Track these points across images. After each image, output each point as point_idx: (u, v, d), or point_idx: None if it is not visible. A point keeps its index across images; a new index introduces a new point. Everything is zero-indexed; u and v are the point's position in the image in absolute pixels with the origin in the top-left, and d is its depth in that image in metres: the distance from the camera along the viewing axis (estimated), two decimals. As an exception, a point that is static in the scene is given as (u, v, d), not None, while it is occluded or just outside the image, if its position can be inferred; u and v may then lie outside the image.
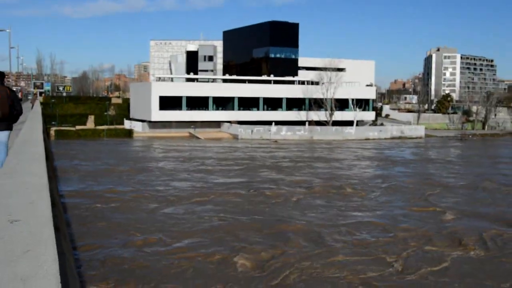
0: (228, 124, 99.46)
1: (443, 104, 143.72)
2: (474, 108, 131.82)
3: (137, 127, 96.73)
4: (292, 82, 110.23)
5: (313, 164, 62.54)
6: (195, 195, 42.99)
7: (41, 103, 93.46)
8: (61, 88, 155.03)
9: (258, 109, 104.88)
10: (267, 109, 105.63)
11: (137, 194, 42.40)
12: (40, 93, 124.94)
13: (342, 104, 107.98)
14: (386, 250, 28.86)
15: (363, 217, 36.83)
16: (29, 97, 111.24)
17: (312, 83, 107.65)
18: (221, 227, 32.54)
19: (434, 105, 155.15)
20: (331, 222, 34.62)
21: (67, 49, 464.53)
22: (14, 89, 20.91)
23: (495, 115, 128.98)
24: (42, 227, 6.46)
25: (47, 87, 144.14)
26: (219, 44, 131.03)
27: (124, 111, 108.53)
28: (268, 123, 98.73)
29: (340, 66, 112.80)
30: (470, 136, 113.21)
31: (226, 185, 46.83)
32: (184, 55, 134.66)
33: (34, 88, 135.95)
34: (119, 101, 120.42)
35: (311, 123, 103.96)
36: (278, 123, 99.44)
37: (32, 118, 40.61)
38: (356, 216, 36.86)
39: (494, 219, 38.32)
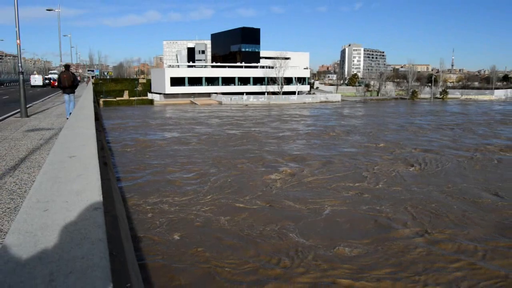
0: (215, 94, 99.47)
1: (353, 80, 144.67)
2: (372, 83, 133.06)
3: (156, 98, 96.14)
4: (256, 67, 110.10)
5: (271, 115, 63.94)
6: (203, 134, 43.80)
7: (93, 83, 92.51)
8: (105, 73, 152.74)
9: (234, 85, 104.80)
10: (240, 85, 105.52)
11: (163, 139, 42.33)
12: (92, 77, 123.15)
13: (288, 81, 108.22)
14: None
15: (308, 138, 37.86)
16: (85, 80, 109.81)
17: (269, 67, 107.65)
18: (221, 155, 32.53)
19: (347, 81, 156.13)
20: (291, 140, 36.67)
21: (109, 47, 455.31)
22: (75, 74, 23.41)
23: (385, 87, 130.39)
24: (91, 160, 6.50)
25: (96, 72, 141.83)
26: (208, 43, 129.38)
27: (147, 87, 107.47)
28: (241, 93, 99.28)
29: (287, 56, 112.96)
30: (370, 100, 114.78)
31: (220, 130, 48.42)
32: (186, 50, 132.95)
33: (87, 74, 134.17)
34: (144, 81, 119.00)
35: (269, 93, 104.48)
36: (247, 93, 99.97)
37: (86, 93, 40.58)
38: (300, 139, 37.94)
39: (413, 146, 39.06)
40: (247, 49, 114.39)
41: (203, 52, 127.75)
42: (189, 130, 50.09)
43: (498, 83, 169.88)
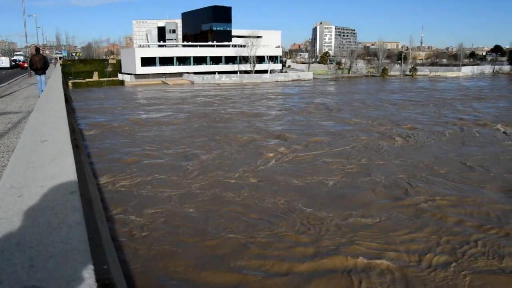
0: (187, 74, 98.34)
1: (324, 58, 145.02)
2: (343, 60, 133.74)
3: (127, 78, 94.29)
4: (228, 46, 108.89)
5: (245, 93, 63.79)
6: (178, 114, 43.18)
7: (61, 65, 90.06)
8: (74, 54, 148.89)
9: (206, 64, 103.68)
10: (212, 64, 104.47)
11: (135, 120, 41.47)
12: (60, 58, 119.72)
13: (260, 59, 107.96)
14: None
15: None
16: (52, 61, 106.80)
17: (241, 46, 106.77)
18: (198, 127, 32.50)
19: (319, 59, 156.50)
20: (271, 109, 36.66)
21: (77, 28, 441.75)
22: (45, 55, 24.29)
23: (356, 64, 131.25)
24: (64, 143, 6.44)
25: (64, 54, 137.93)
26: (179, 22, 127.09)
27: (117, 68, 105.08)
28: (213, 73, 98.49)
29: (259, 35, 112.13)
30: (341, 78, 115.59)
31: (195, 107, 48.03)
32: (156, 30, 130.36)
33: (55, 55, 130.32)
34: (114, 61, 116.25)
35: (241, 72, 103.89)
36: (220, 73, 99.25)
37: (55, 75, 39.62)
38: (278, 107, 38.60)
39: (398, 121, 40.09)
40: (218, 28, 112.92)
41: (174, 31, 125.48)
42: (163, 110, 49.56)
43: (465, 60, 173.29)
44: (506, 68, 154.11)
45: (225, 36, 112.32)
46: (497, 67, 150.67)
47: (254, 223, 16.41)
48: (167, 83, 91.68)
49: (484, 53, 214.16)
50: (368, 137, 33.53)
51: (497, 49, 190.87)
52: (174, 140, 32.29)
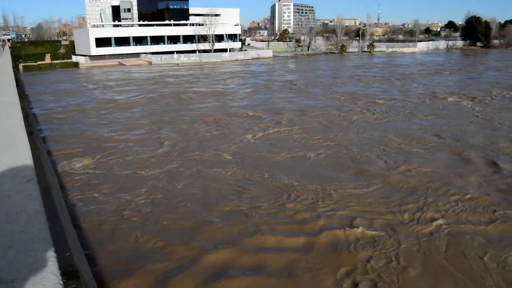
0: (145, 54, 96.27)
1: (283, 36, 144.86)
2: (302, 38, 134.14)
3: (81, 60, 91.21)
4: (186, 25, 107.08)
5: (206, 73, 63.17)
6: (137, 95, 42.25)
7: (9, 47, 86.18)
8: (23, 36, 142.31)
9: (164, 44, 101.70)
10: (170, 44, 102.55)
11: (92, 103, 40.51)
12: (8, 40, 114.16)
13: (219, 38, 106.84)
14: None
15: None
16: (0, 43, 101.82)
17: (199, 24, 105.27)
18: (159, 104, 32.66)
19: (278, 36, 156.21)
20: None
21: (25, 8, 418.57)
22: None
23: (315, 41, 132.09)
24: (18, 130, 6.33)
25: (12, 35, 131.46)
26: (134, 0, 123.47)
27: (71, 49, 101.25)
28: (172, 52, 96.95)
29: (217, 13, 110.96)
30: (301, 55, 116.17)
31: (159, 88, 47.48)
32: (110, 9, 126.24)
33: (3, 37, 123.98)
34: (67, 42, 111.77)
35: (200, 51, 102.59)
36: (178, 52, 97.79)
37: (3, 58, 38.01)
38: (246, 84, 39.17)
39: (368, 96, 41.28)
40: (175, 6, 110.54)
41: (129, 10, 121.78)
42: (126, 92, 48.48)
43: (421, 36, 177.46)
44: (459, 43, 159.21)
45: (183, 15, 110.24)
46: (450, 43, 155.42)
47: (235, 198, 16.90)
48: (124, 64, 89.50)
49: (439, 29, 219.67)
50: (341, 112, 35.19)
51: (450, 25, 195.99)
52: (139, 122, 31.83)
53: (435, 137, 26.64)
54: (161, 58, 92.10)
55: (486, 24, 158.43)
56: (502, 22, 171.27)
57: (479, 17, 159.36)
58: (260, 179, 19.27)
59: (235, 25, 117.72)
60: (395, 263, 12.31)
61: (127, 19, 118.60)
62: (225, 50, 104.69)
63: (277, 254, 12.85)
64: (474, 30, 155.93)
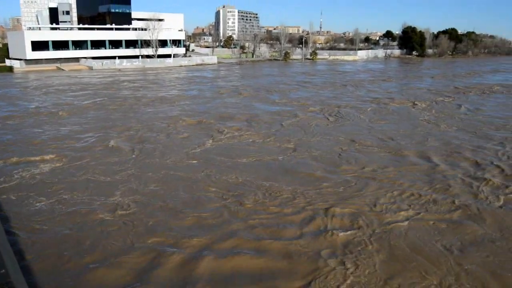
0: (85, 59, 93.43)
1: (228, 42, 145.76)
2: (247, 44, 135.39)
3: (16, 64, 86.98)
4: (128, 29, 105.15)
5: (150, 79, 62.11)
6: (78, 95, 41.22)
7: None
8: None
9: (105, 48, 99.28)
10: (112, 48, 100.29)
11: (28, 111, 39.31)
12: None
13: (163, 43, 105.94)
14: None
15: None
16: None
17: (142, 29, 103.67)
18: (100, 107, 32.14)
19: (223, 43, 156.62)
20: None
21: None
22: None
23: (259, 48, 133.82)
24: None
25: None
26: (73, 2, 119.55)
27: (5, 53, 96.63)
28: (113, 57, 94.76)
29: (160, 18, 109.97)
30: (245, 62, 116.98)
31: (99, 93, 45.95)
32: (47, 11, 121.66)
33: None
34: (0, 45, 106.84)
35: (143, 56, 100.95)
36: (120, 57, 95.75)
37: None
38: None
39: (322, 101, 41.55)
40: (117, 10, 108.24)
41: (67, 13, 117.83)
42: (63, 98, 46.70)
43: (361, 44, 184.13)
44: (397, 52, 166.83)
45: (125, 19, 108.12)
46: (389, 51, 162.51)
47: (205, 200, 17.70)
48: (62, 69, 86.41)
49: (378, 38, 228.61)
50: (299, 116, 37.64)
51: (388, 34, 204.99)
52: (81, 130, 30.89)
53: (388, 139, 29.72)
54: (102, 63, 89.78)
55: (421, 34, 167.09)
56: (435, 32, 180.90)
57: (414, 28, 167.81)
58: (224, 180, 20.60)
59: (179, 30, 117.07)
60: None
61: (65, 22, 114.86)
62: (169, 56, 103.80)
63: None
64: (410, 40, 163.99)
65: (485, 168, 23.52)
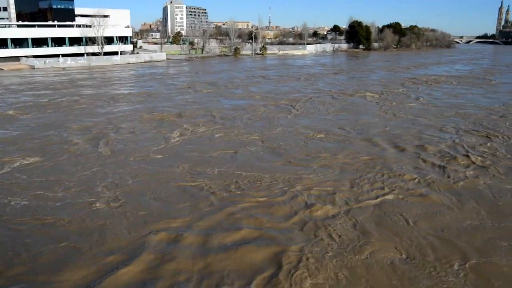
0: (26, 58, 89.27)
1: (176, 38, 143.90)
2: (196, 40, 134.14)
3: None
4: (72, 26, 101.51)
5: (99, 77, 60.21)
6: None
7: None
8: None
9: (48, 46, 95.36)
10: (55, 46, 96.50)
11: None
12: None
13: (109, 40, 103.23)
14: None
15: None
16: None
17: (87, 26, 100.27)
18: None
19: (171, 39, 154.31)
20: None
21: None
22: None
23: (209, 44, 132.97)
24: None
25: None
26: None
27: None
28: (57, 56, 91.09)
29: (106, 14, 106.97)
30: (195, 58, 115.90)
31: (40, 93, 43.88)
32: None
33: None
34: None
35: (89, 54, 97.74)
36: (64, 55, 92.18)
37: None
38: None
39: (283, 94, 41.68)
40: (59, 6, 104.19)
41: (5, 9, 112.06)
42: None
43: (309, 39, 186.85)
44: (344, 46, 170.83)
45: (67, 15, 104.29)
46: (336, 45, 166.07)
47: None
48: (1, 69, 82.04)
49: (325, 33, 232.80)
50: (263, 109, 38.86)
51: (336, 29, 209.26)
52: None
53: (349, 129, 31.30)
54: (45, 62, 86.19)
55: (367, 28, 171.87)
56: (381, 26, 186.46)
57: (360, 22, 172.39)
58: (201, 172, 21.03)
59: (126, 27, 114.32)
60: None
61: (3, 18, 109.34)
62: (115, 53, 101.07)
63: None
64: (357, 34, 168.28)
65: (445, 149, 25.80)
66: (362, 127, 32.04)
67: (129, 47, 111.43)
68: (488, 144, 27.62)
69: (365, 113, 37.82)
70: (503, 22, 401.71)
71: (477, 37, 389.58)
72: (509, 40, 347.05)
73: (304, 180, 20.45)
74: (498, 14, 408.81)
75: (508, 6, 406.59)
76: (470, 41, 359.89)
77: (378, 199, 18.34)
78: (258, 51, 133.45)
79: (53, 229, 15.30)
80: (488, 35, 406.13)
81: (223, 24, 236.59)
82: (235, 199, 18.15)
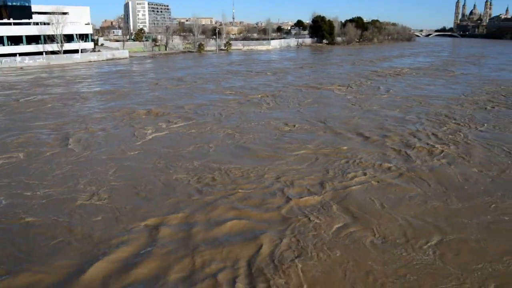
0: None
1: (139, 35, 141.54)
2: (159, 37, 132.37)
3: None
4: (29, 24, 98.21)
5: (55, 76, 58.51)
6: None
7: None
8: None
9: (3, 45, 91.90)
10: (11, 45, 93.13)
11: None
12: None
13: (69, 38, 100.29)
14: None
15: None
16: None
17: (45, 23, 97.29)
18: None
19: (133, 36, 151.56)
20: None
21: None
22: None
23: (172, 40, 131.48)
24: None
25: None
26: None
27: None
28: (14, 55, 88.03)
29: (64, 11, 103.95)
30: (159, 55, 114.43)
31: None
32: None
33: None
34: None
35: (47, 53, 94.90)
36: (21, 54, 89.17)
37: None
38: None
39: (256, 87, 41.82)
40: (14, 3, 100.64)
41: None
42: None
43: (273, 34, 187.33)
44: (308, 41, 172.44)
45: (24, 12, 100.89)
46: (300, 40, 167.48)
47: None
48: (-45, 69, 78.77)
49: (289, 28, 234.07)
50: (237, 103, 39.43)
51: (299, 24, 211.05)
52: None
53: (323, 120, 32.45)
54: (1, 62, 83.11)
55: (330, 23, 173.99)
56: (343, 21, 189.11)
57: (323, 17, 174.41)
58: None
59: (86, 24, 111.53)
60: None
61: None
62: (76, 51, 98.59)
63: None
64: (320, 29, 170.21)
65: (411, 138, 27.11)
66: (332, 118, 32.94)
67: (90, 45, 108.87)
68: (452, 132, 29.00)
69: (334, 106, 38.91)
70: (460, 16, 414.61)
71: (436, 31, 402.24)
72: (466, 33, 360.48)
73: (279, 170, 21.02)
74: (456, 8, 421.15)
75: (465, 0, 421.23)
76: (430, 34, 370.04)
77: (352, 187, 19.08)
78: (223, 47, 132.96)
79: (33, 228, 15.38)
80: (447, 28, 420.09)
81: (186, 20, 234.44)
82: (211, 190, 18.61)
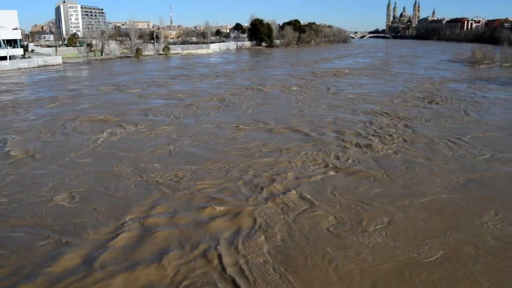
0: None
1: (72, 40, 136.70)
2: (94, 42, 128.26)
3: None
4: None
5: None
6: None
7: None
8: None
9: None
10: None
11: None
12: None
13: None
14: None
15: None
16: None
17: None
18: None
19: (66, 41, 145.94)
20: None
21: None
22: None
23: (108, 46, 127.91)
24: None
25: None
26: None
27: None
28: None
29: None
30: (94, 61, 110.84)
31: None
32: None
33: None
34: None
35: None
36: None
37: None
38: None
39: (212, 90, 41.48)
40: None
41: None
42: None
43: (213, 38, 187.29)
44: (247, 44, 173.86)
45: None
46: (240, 43, 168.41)
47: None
48: None
49: (228, 31, 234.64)
50: (188, 107, 39.73)
51: (238, 27, 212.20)
52: None
53: (274, 119, 33.56)
54: None
55: (268, 26, 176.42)
56: (281, 24, 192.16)
57: (261, 20, 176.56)
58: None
59: (14, 29, 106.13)
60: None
61: None
62: (4, 58, 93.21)
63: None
64: (259, 31, 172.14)
65: (355, 132, 28.93)
66: (284, 117, 34.45)
67: (19, 51, 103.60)
68: (396, 125, 31.52)
69: (285, 105, 40.51)
70: (391, 18, 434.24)
71: (370, 32, 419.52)
72: (398, 34, 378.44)
73: (243, 166, 22.11)
74: (387, 11, 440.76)
75: (395, 3, 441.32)
76: (364, 36, 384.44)
77: (311, 177, 20.52)
78: (161, 52, 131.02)
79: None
80: (380, 30, 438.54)
81: (123, 25, 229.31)
82: (177, 187, 19.42)
